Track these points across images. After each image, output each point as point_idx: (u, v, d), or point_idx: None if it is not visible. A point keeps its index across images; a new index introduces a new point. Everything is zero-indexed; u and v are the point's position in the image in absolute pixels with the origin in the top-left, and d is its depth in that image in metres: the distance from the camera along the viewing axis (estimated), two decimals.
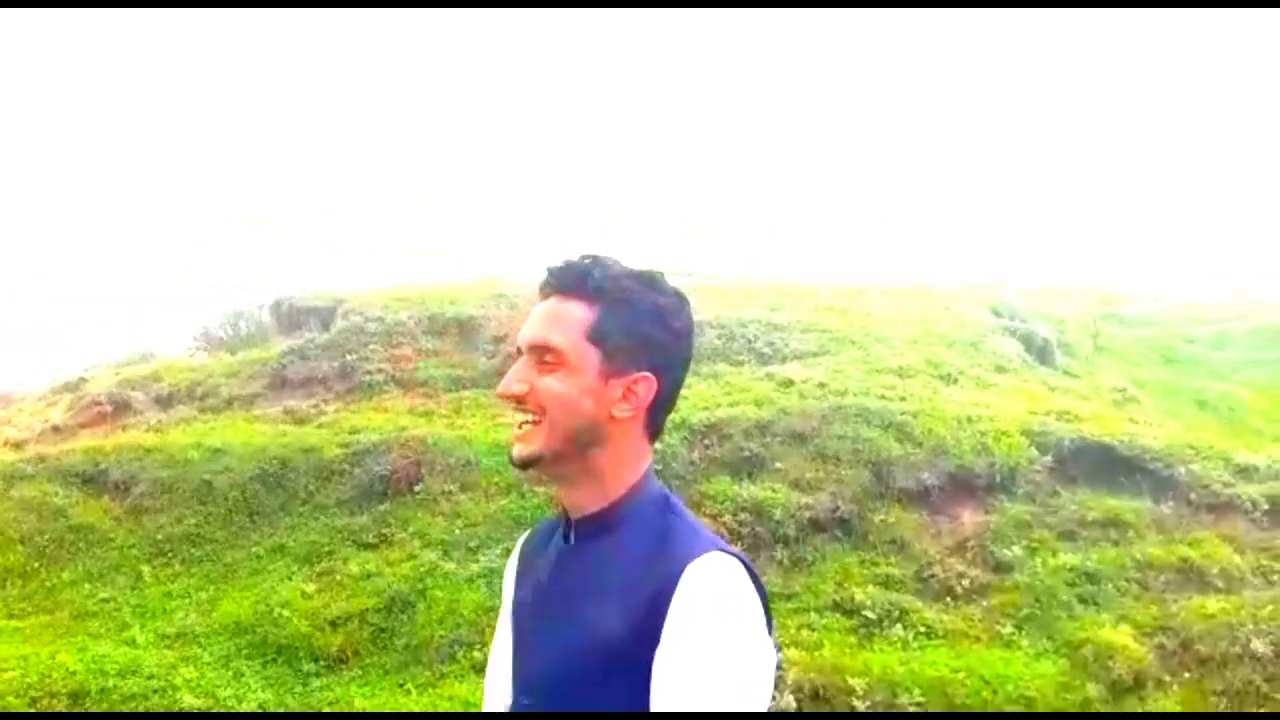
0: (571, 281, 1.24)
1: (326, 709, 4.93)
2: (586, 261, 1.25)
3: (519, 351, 1.26)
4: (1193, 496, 5.89)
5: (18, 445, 7.63)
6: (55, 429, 7.87)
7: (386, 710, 4.77)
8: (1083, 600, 5.18)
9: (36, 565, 6.03)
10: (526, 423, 1.23)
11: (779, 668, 4.63)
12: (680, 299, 1.27)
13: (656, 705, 1.11)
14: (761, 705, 1.13)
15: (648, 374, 1.22)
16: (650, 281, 1.26)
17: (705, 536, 1.22)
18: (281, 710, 4.85)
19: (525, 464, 1.24)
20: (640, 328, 1.22)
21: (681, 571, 1.13)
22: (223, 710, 4.75)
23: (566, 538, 1.28)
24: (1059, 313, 12.28)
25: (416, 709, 4.72)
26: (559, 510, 1.33)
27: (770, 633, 1.19)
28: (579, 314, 1.22)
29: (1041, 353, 10.28)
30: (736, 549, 1.23)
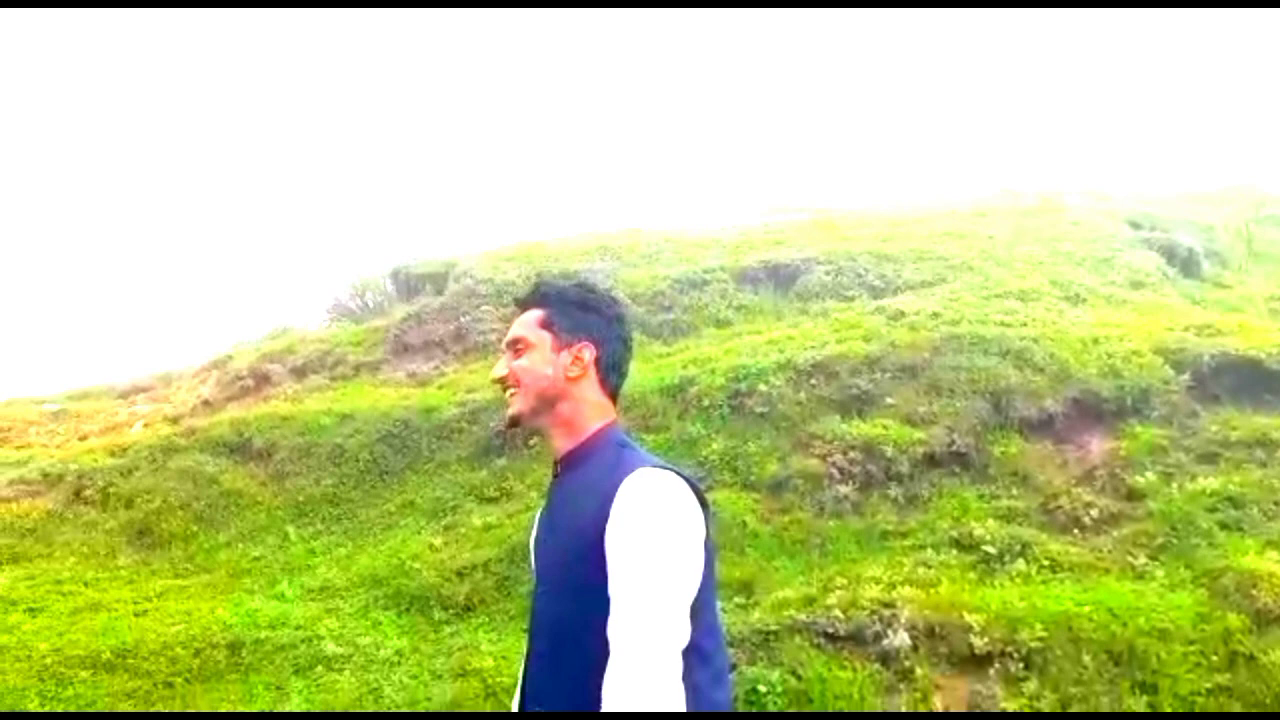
0: (530, 297, 1.77)
1: (457, 653, 5.20)
2: (539, 282, 1.80)
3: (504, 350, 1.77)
4: None
5: (174, 420, 8.28)
6: (205, 403, 8.48)
7: (510, 653, 4.99)
8: (1224, 527, 4.85)
9: (195, 529, 6.56)
10: (511, 394, 1.70)
11: (892, 606, 4.57)
12: (612, 298, 1.81)
13: (611, 575, 1.47)
14: (689, 574, 1.49)
15: (588, 343, 1.70)
16: (584, 287, 1.79)
17: (650, 460, 1.60)
18: (415, 655, 5.15)
19: (513, 423, 1.72)
20: (577, 314, 1.72)
21: (624, 478, 1.53)
22: (361, 656, 5.07)
23: (555, 476, 1.72)
24: (1207, 219, 11.34)
25: None
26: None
27: (707, 528, 1.56)
28: (536, 314, 1.73)
29: (1185, 264, 9.55)
30: (681, 468, 1.60)
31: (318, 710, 4.66)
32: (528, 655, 1.71)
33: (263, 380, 8.76)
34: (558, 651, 1.59)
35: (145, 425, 8.36)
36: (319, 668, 5.01)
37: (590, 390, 1.70)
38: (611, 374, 1.73)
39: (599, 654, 1.48)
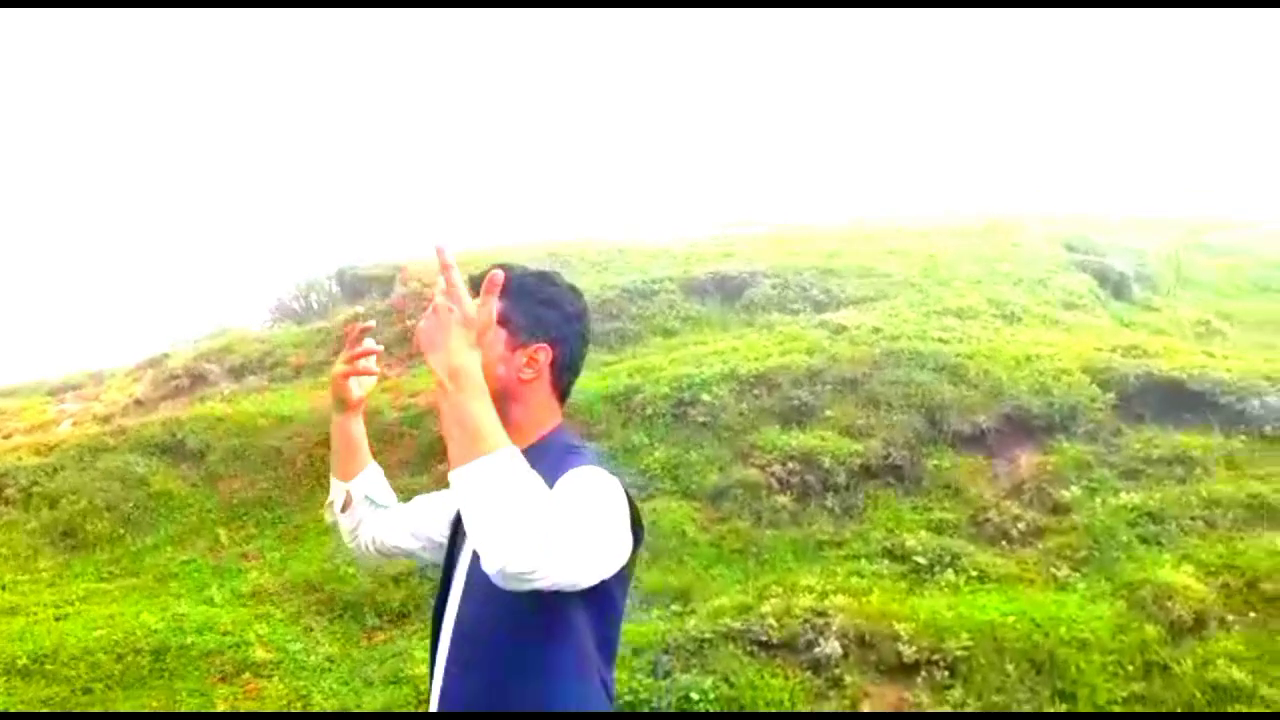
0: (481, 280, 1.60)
1: (390, 660, 5.14)
2: (497, 267, 1.57)
3: None
4: (1267, 429, 5.61)
5: (105, 419, 8.07)
6: (138, 402, 8.28)
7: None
8: (1144, 540, 5.01)
9: (122, 531, 6.39)
10: None
11: (824, 614, 4.63)
12: (574, 290, 1.66)
13: None
14: (613, 548, 1.41)
15: (545, 345, 1.58)
16: (545, 278, 1.65)
17: (592, 461, 1.51)
18: (346, 661, 5.08)
19: None
20: (536, 311, 1.59)
21: (564, 475, 1.44)
22: (291, 663, 4.98)
23: None
24: (1140, 245, 11.73)
25: None
26: None
27: (637, 543, 1.49)
28: (491, 306, 1.56)
29: (1117, 287, 9.87)
30: (627, 485, 1.50)
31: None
32: (443, 664, 1.60)
33: (198, 380, 8.59)
34: (478, 656, 1.53)
35: (74, 424, 8.13)
36: (246, 674, 4.91)
37: (541, 392, 1.61)
38: (565, 374, 1.65)
39: (524, 660, 1.47)
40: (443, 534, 1.77)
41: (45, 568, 6.08)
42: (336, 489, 1.91)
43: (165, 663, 4.93)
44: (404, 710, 4.60)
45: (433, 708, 1.64)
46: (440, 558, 1.75)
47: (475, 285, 1.62)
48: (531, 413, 1.59)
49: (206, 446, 7.10)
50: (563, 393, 1.65)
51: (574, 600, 1.44)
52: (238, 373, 8.65)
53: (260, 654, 5.05)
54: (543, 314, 1.60)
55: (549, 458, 1.49)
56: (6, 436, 8.08)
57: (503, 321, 1.58)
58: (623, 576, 1.52)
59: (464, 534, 1.61)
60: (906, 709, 4.24)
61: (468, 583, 1.59)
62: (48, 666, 4.84)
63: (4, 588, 5.80)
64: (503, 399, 1.53)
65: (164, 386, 8.50)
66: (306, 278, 11.39)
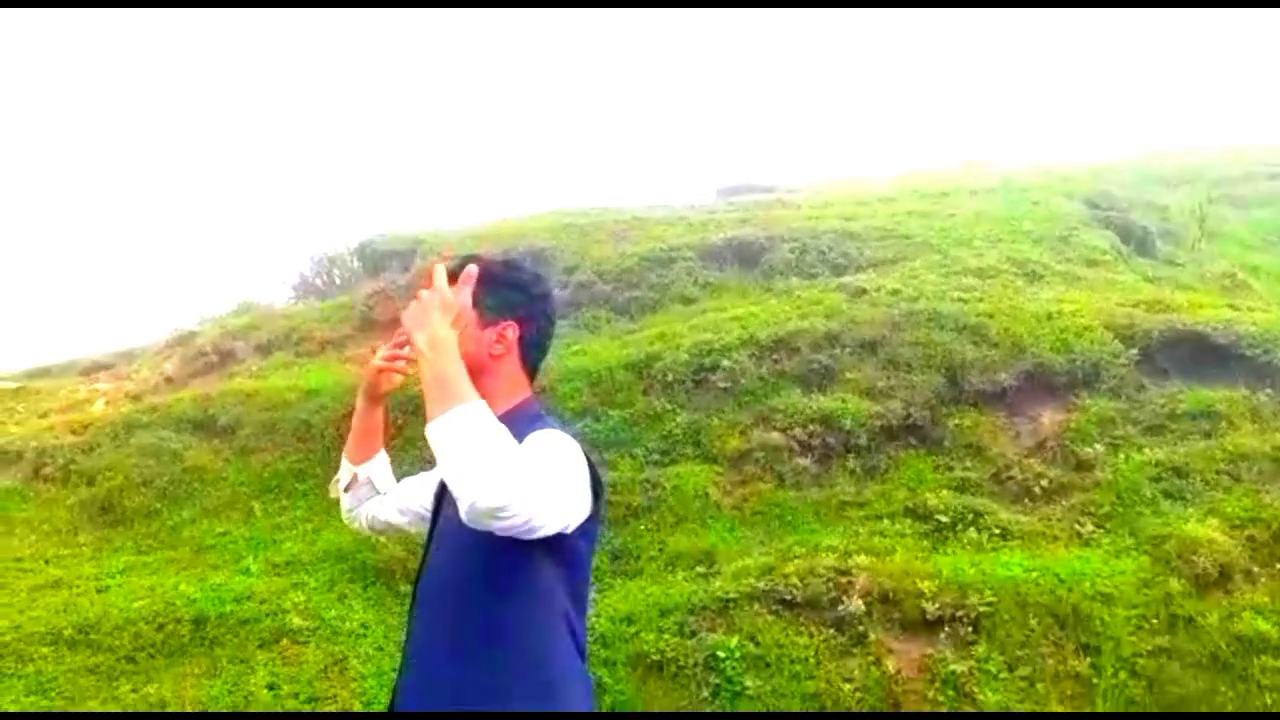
0: (457, 273, 1.74)
1: None
2: (465, 257, 1.77)
3: None
4: None
5: (136, 397, 8.21)
6: (168, 380, 8.42)
7: None
8: (1169, 495, 5.02)
9: (159, 506, 6.54)
10: None
11: (847, 573, 4.69)
12: (538, 276, 1.89)
13: None
14: (563, 510, 1.52)
15: (512, 323, 1.77)
16: (511, 265, 1.86)
17: (555, 427, 1.67)
18: (380, 626, 5.20)
19: None
20: (502, 293, 1.78)
21: (527, 437, 1.59)
22: (327, 629, 5.11)
23: None
24: (1164, 200, 11.58)
25: None
26: None
27: (598, 500, 1.66)
28: (465, 294, 1.70)
29: (1140, 243, 9.76)
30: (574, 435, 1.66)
31: (283, 682, 4.70)
32: (416, 620, 1.73)
33: (226, 357, 8.71)
34: (448, 612, 1.64)
35: (107, 403, 8.28)
36: (284, 640, 5.03)
37: (510, 366, 1.78)
38: (533, 351, 1.81)
39: (492, 616, 1.58)
40: (427, 507, 1.93)
41: (85, 542, 6.24)
42: (345, 470, 2.11)
43: (205, 631, 5.06)
44: None
45: (402, 668, 1.75)
46: (426, 530, 1.90)
47: (452, 278, 1.77)
48: (501, 385, 1.75)
49: (237, 421, 7.22)
50: (531, 368, 1.83)
51: (541, 557, 1.57)
52: (264, 349, 8.76)
53: (297, 621, 5.17)
54: (509, 296, 1.79)
55: (517, 426, 1.60)
56: (42, 416, 8.24)
57: (474, 304, 1.73)
58: (588, 532, 1.64)
59: (446, 502, 1.75)
60: (931, 665, 4.30)
61: (444, 544, 1.74)
62: (92, 636, 4.99)
63: (47, 562, 5.96)
64: (475, 374, 1.63)
65: (193, 364, 8.63)
66: (328, 253, 11.45)
